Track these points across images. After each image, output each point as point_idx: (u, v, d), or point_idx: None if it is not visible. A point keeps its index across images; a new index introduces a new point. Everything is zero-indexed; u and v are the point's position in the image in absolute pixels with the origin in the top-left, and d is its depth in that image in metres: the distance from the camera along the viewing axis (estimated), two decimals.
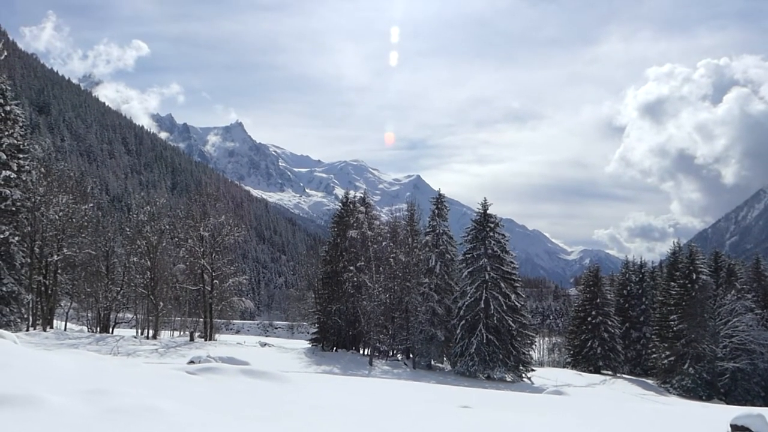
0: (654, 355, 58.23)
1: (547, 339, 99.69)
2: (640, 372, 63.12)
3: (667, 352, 54.00)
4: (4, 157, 34.42)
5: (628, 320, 66.04)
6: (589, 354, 60.87)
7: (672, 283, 56.73)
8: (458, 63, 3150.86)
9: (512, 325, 42.35)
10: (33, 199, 40.18)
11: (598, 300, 61.54)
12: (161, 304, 48.15)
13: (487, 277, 42.66)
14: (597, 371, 59.63)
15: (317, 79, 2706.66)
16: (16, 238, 35.38)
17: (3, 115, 35.38)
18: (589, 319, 61.46)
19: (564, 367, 64.59)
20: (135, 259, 48.04)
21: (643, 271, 68.66)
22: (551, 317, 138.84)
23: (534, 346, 50.02)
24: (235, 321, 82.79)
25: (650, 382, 56.27)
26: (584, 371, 58.71)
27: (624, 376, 59.90)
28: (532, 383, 41.94)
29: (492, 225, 44.08)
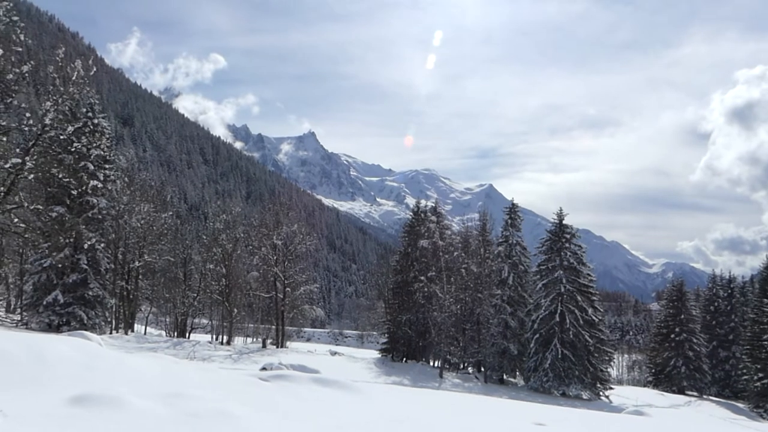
0: (745, 377, 54.99)
1: (626, 356, 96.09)
2: (729, 394, 59.82)
3: (760, 374, 50.90)
4: (92, 167, 36.40)
5: (716, 338, 62.80)
6: (672, 373, 58.26)
7: (765, 300, 53.55)
8: (531, 69, 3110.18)
9: (589, 340, 41.11)
10: (117, 208, 42.33)
11: (683, 316, 58.86)
12: (235, 310, 49.56)
13: (562, 289, 41.64)
14: (681, 392, 56.96)
15: (387, 88, 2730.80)
16: (102, 245, 37.28)
17: (91, 127, 37.47)
18: (673, 335, 58.87)
19: (644, 386, 62.06)
20: (211, 266, 49.71)
21: (732, 286, 65.17)
22: (631, 333, 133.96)
23: (612, 363, 48.35)
24: (305, 329, 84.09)
25: (741, 405, 53.17)
26: (667, 391, 56.20)
27: (711, 398, 56.91)
28: (610, 402, 40.50)
29: (568, 235, 43.02)
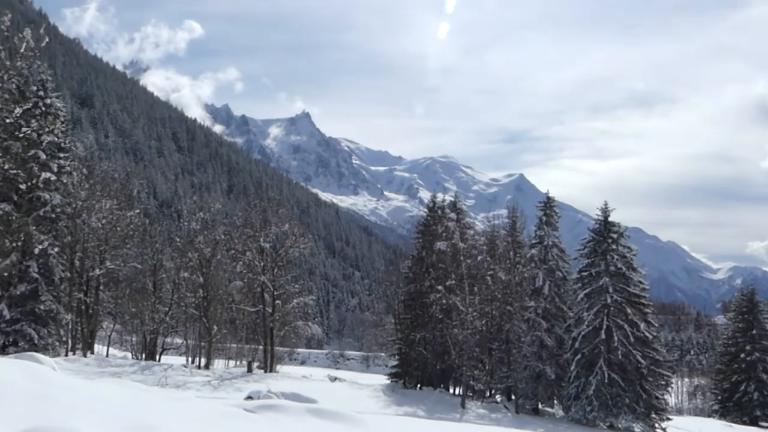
0: None
1: (686, 380, 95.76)
2: None
3: None
4: (44, 157, 36.53)
5: None
6: (742, 400, 58.02)
7: None
8: (567, 36, 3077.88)
9: (641, 361, 40.95)
10: (74, 205, 42.49)
11: (755, 331, 58.60)
12: (215, 328, 49.70)
13: (608, 300, 41.48)
14: (753, 423, 56.74)
15: (395, 61, 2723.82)
16: (56, 250, 37.43)
17: (43, 109, 37.61)
18: (743, 355, 58.62)
19: (709, 416, 61.91)
20: (186, 274, 49.87)
21: None
22: (692, 352, 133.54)
23: (670, 389, 48.18)
24: (300, 350, 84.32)
25: None
26: (736, 422, 55.98)
27: None
28: None
29: (615, 235, 42.86)
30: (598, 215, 44.07)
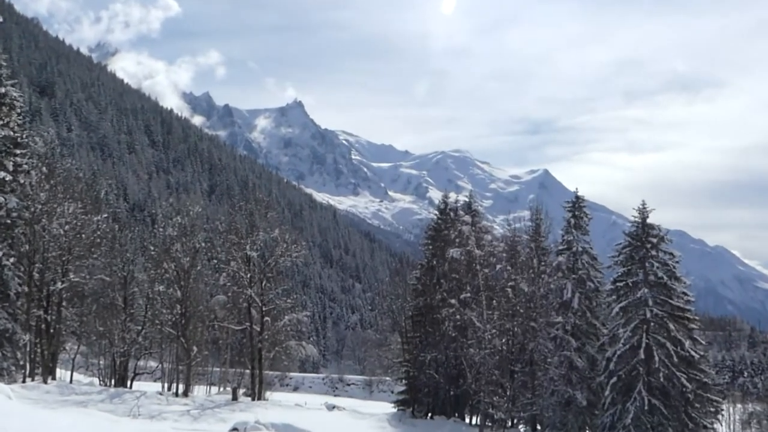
0: None
1: (739, 406, 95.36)
2: None
3: None
4: None
5: None
6: None
7: None
8: (596, 11, 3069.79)
9: (687, 384, 40.79)
10: (32, 209, 42.48)
11: None
12: (195, 349, 49.63)
13: (648, 314, 41.33)
14: None
15: (398, 41, 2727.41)
16: (11, 260, 37.45)
17: None
18: None
19: None
20: (161, 288, 49.82)
21: None
22: (746, 374, 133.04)
23: (720, 417, 47.96)
24: (292, 374, 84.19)
25: None
26: None
27: None
28: None
29: (654, 240, 42.70)
30: (634, 217, 43.90)
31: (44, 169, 45.60)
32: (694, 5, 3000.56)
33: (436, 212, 54.86)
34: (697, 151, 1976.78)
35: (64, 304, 47.33)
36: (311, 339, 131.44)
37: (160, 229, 53.55)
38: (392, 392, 58.49)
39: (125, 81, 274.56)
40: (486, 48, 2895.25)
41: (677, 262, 43.21)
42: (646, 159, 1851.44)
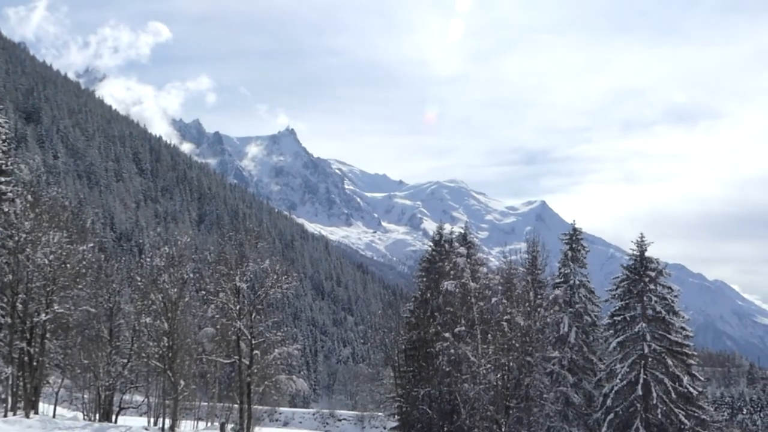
0: None
1: None
2: None
3: None
4: None
5: None
6: None
7: None
8: (593, 41, 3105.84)
9: (685, 421, 40.77)
10: (16, 237, 42.40)
11: None
12: (182, 383, 49.33)
13: (646, 349, 41.40)
14: None
15: (393, 69, 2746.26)
16: None
17: None
18: None
19: None
20: (148, 319, 49.61)
21: None
22: (745, 411, 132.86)
23: None
24: (282, 409, 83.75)
25: None
26: None
27: None
28: None
29: (652, 273, 42.93)
30: (632, 250, 44.16)
31: (29, 197, 45.55)
32: (690, 37, 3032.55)
33: (431, 244, 55.00)
34: (697, 182, 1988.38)
35: (47, 336, 47.00)
36: (302, 373, 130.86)
37: (148, 260, 53.39)
38: (384, 428, 58.22)
39: (113, 107, 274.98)
40: (484, 75, 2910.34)
41: (676, 296, 43.41)
42: (644, 190, 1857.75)
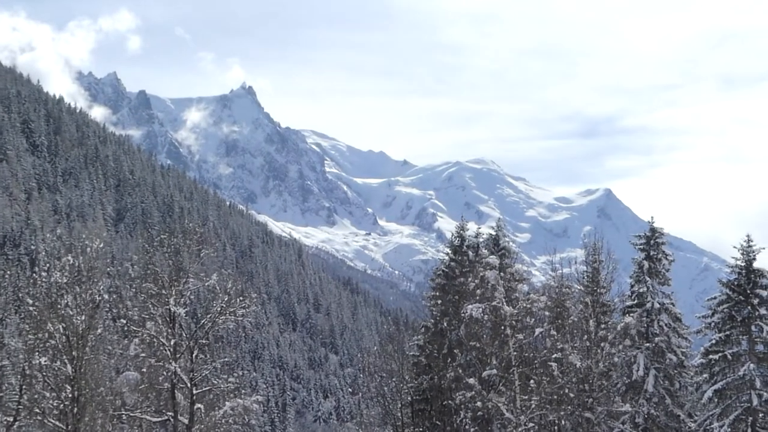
0: None
1: None
2: None
3: None
4: None
5: None
6: None
7: None
8: None
9: None
10: None
11: None
12: None
13: (755, 401, 41.44)
14: None
15: (393, 3, 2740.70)
16: None
17: None
18: None
19: None
20: (43, 360, 49.68)
21: None
22: None
23: None
24: None
25: None
26: None
27: None
28: None
29: (764, 293, 42.94)
30: (736, 259, 44.15)
31: None
32: None
33: (448, 251, 54.98)
34: None
35: None
36: None
37: (44, 274, 53.49)
38: None
39: None
40: (523, 11, 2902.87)
41: None
42: (752, 173, 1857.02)
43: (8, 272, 77.72)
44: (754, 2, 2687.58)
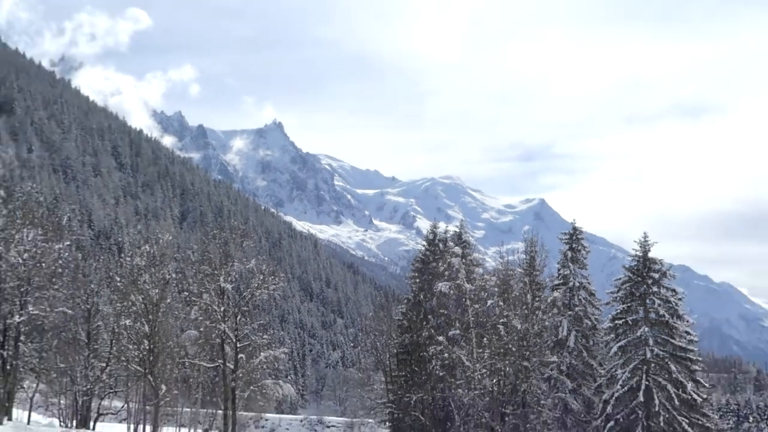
0: None
1: None
2: None
3: None
4: None
5: None
6: None
7: None
8: (596, 30, 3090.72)
9: (689, 429, 40.96)
10: None
11: None
12: (163, 388, 49.37)
13: (648, 354, 41.56)
14: None
15: (385, 59, 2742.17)
16: None
17: None
18: None
19: None
20: (128, 322, 49.59)
21: None
22: (751, 419, 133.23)
23: None
24: (268, 415, 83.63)
25: None
26: None
27: None
28: None
29: (656, 275, 43.08)
30: (635, 250, 44.29)
31: (2, 192, 45.52)
32: (699, 28, 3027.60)
33: (424, 243, 55.08)
34: (705, 180, 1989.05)
35: (22, 338, 46.94)
36: (289, 378, 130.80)
37: (128, 259, 53.35)
38: None
39: (90, 98, 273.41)
40: (482, 65, 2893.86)
41: (680, 299, 43.55)
42: (649, 188, 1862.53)
43: (101, 257, 77.49)
44: (650, 56, 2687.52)
